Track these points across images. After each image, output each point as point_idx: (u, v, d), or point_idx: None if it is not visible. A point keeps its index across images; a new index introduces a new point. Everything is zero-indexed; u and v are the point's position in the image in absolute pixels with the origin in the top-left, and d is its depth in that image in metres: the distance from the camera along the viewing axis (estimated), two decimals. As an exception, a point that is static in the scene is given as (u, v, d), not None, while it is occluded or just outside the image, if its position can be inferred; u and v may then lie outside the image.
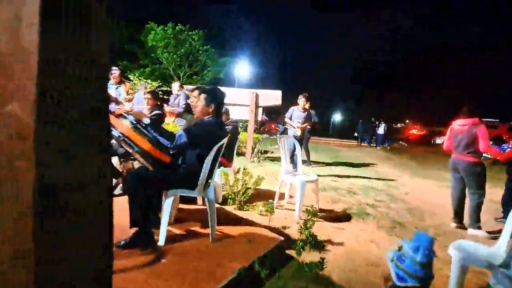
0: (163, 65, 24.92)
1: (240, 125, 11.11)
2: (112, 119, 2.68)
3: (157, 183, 2.71)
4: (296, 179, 4.20)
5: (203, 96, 2.95)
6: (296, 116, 7.43)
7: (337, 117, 58.97)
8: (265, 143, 11.47)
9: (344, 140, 29.88)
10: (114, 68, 6.31)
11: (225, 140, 2.97)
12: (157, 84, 8.56)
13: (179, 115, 6.85)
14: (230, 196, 4.16)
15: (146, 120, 2.70)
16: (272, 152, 10.32)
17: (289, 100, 8.71)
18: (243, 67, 29.08)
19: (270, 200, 4.07)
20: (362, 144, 24.98)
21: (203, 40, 24.93)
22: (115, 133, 2.64)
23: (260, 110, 8.12)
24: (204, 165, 2.79)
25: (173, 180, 2.76)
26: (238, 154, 7.60)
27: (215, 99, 2.99)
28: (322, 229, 3.65)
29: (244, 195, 4.12)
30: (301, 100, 7.45)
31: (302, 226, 3.21)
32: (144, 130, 2.68)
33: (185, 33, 24.18)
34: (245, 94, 8.09)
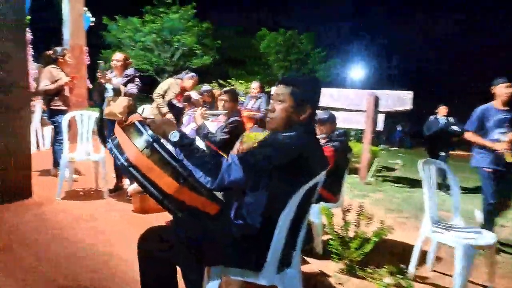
0: (273, 72, 24.58)
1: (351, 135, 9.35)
2: (118, 133, 1.52)
3: (186, 253, 1.44)
4: (454, 239, 2.37)
5: (291, 90, 1.53)
6: (495, 121, 3.36)
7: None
8: (383, 157, 9.37)
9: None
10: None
11: (322, 175, 1.53)
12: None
13: (258, 122, 5.59)
14: (335, 248, 2.65)
15: (175, 136, 1.45)
16: (395, 169, 8.12)
17: (421, 105, 6.63)
18: (356, 68, 26.69)
19: (401, 265, 2.45)
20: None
21: (312, 44, 23.83)
22: (119, 159, 1.48)
23: (381, 117, 6.31)
24: (279, 227, 1.40)
25: (218, 250, 1.44)
26: (350, 171, 5.93)
27: (314, 98, 1.60)
28: None
29: (359, 251, 2.57)
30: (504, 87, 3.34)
31: None
32: (165, 155, 1.44)
33: (297, 37, 23.52)
34: (359, 97, 6.40)
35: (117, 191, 3.98)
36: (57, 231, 2.80)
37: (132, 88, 3.88)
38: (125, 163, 1.45)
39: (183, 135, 1.48)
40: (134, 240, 1.50)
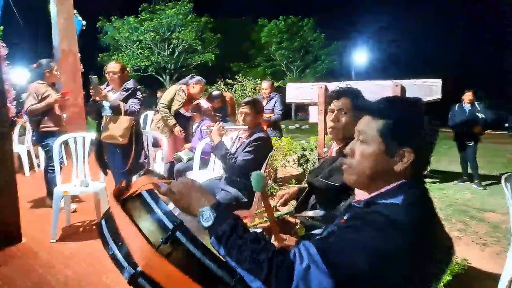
0: (276, 62, 23.86)
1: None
2: (116, 212, 0.93)
3: None
4: None
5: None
6: None
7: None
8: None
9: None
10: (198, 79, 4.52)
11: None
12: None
13: (272, 124, 4.96)
14: None
15: (208, 218, 0.85)
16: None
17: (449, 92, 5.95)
18: (361, 53, 25.65)
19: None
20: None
21: (314, 29, 23.03)
22: (115, 257, 0.89)
23: (409, 109, 5.64)
24: None
25: None
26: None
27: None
28: None
29: None
30: None
31: None
32: (198, 253, 0.85)
33: (298, 24, 22.74)
34: (383, 88, 5.71)
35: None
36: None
37: (134, 104, 3.26)
38: (127, 267, 0.86)
39: (221, 212, 0.90)
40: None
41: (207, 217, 0.89)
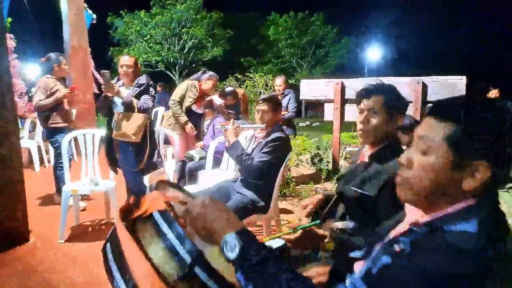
0: (286, 58, 23.60)
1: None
2: (123, 238, 0.79)
3: None
4: None
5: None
6: None
7: None
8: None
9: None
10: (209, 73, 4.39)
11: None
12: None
13: (286, 122, 4.77)
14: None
15: (232, 248, 0.71)
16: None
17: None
18: (373, 48, 25.25)
19: None
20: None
21: (324, 25, 22.68)
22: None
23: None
24: None
25: None
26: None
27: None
28: None
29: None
30: None
31: None
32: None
33: (308, 20, 22.44)
34: (403, 85, 5.50)
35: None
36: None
37: (147, 100, 3.12)
38: None
39: (248, 240, 0.75)
40: None
41: (232, 247, 0.75)
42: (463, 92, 5.21)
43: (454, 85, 5.21)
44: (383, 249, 0.84)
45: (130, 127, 2.99)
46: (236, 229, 0.78)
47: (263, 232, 2.78)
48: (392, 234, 0.92)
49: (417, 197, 0.81)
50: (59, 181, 3.71)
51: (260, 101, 2.53)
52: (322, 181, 4.97)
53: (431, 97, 5.31)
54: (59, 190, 3.74)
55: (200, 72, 4.41)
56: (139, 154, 3.14)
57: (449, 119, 0.76)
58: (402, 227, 0.92)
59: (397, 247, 0.79)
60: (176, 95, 4.20)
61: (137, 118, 3.02)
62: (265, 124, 2.51)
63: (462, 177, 0.75)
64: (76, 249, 2.79)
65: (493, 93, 5.66)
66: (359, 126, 1.53)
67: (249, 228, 0.80)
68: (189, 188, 3.23)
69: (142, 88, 3.15)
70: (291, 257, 1.50)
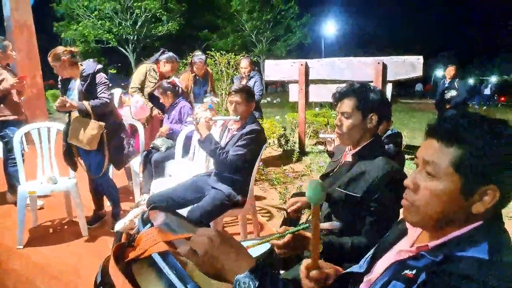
0: (246, 33, 23.10)
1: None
2: (116, 279, 0.71)
3: None
4: None
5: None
6: None
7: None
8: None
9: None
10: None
11: None
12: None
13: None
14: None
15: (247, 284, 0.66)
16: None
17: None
18: (330, 25, 25.48)
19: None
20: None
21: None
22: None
23: (389, 86, 5.59)
24: None
25: None
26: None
27: None
28: None
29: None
30: None
31: None
32: None
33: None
34: (365, 65, 5.61)
35: (98, 221, 3.11)
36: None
37: (101, 95, 2.75)
38: None
39: (262, 277, 0.70)
40: None
41: (246, 287, 0.69)
42: (420, 71, 5.44)
43: (412, 64, 5.41)
44: (393, 273, 0.83)
45: (85, 136, 2.67)
46: (249, 267, 0.72)
47: (238, 223, 2.76)
48: (396, 250, 0.90)
49: (424, 221, 0.80)
50: (11, 178, 3.42)
51: (233, 92, 2.42)
52: (292, 163, 5.01)
53: (391, 75, 5.49)
54: (11, 188, 3.45)
55: (158, 53, 4.13)
56: (99, 159, 2.86)
57: (456, 143, 0.74)
58: (407, 243, 0.91)
59: (409, 272, 0.78)
60: (135, 81, 3.93)
61: (93, 127, 2.70)
62: (239, 116, 2.43)
63: (472, 202, 0.74)
64: (41, 255, 2.59)
65: (451, 70, 5.94)
66: (336, 129, 1.52)
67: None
68: (158, 182, 3.09)
69: (88, 80, 2.73)
70: (280, 259, 1.49)
